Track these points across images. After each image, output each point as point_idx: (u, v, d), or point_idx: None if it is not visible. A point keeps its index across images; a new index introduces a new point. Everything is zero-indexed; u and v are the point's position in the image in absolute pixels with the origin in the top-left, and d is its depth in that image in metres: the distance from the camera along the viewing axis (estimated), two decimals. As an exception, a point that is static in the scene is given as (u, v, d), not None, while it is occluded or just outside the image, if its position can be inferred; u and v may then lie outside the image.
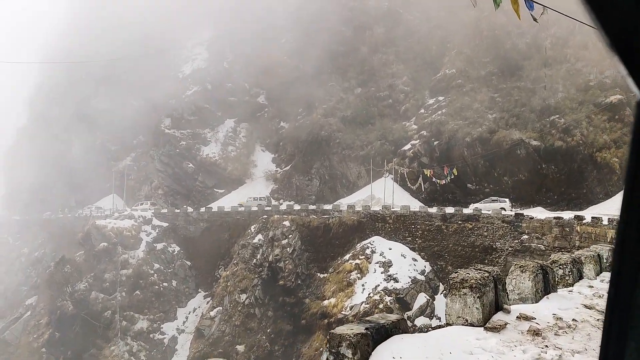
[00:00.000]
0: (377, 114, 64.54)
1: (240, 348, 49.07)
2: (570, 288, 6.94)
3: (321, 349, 42.49)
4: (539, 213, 48.46)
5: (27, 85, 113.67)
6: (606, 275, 8.00)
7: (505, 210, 47.05)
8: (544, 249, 43.71)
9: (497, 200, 50.12)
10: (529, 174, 52.63)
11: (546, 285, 6.06)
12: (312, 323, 47.61)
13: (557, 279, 7.09)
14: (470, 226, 47.67)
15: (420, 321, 43.40)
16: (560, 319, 5.08)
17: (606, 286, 7.26)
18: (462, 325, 4.61)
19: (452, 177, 51.32)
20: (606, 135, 49.61)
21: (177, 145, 70.96)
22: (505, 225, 46.20)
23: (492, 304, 4.86)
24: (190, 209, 60.32)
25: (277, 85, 73.91)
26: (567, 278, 7.08)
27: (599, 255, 9.02)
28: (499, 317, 4.88)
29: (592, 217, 40.35)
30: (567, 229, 42.46)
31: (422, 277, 47.05)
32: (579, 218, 40.55)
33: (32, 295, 63.45)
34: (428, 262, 48.69)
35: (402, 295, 44.83)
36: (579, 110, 51.47)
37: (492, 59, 59.46)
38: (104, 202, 74.55)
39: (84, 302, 50.53)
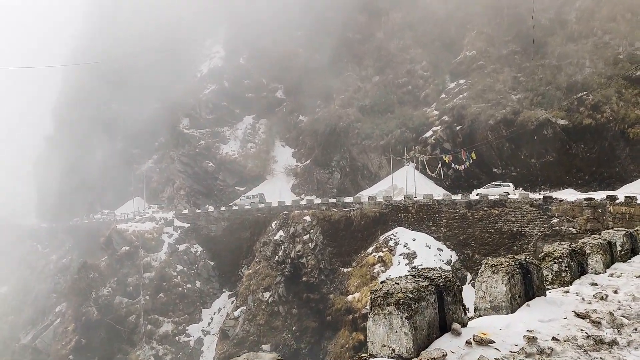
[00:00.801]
0: (396, 101, 62.69)
1: (266, 347, 48.36)
2: (566, 288, 5.58)
3: (347, 346, 41.23)
4: (569, 195, 46.18)
5: (51, 92, 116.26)
6: (619, 267, 6.64)
7: (509, 194, 45.76)
8: (575, 232, 41.61)
9: (500, 184, 48.76)
10: (557, 155, 50.16)
11: (527, 288, 4.73)
12: (338, 319, 46.53)
13: (552, 277, 5.70)
14: (497, 212, 45.72)
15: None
16: (534, 339, 3.77)
17: (616, 282, 5.92)
18: (388, 357, 3.37)
19: (471, 161, 49.34)
20: (638, 110, 46.76)
21: (197, 145, 70.71)
22: (534, 209, 44.12)
23: (434, 324, 3.61)
24: (211, 208, 59.92)
25: (295, 78, 72.85)
26: (563, 275, 5.72)
27: (609, 242, 7.57)
28: (442, 343, 3.61)
29: (626, 197, 38.14)
30: (599, 210, 40.28)
31: (448, 267, 45.29)
32: (612, 198, 38.33)
33: (61, 302, 64.25)
34: (454, 252, 47.00)
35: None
36: (608, 85, 48.65)
37: (514, 37, 56.91)
38: (128, 205, 75.07)
39: (109, 307, 50.66)
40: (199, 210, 60.07)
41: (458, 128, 55.11)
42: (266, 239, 52.93)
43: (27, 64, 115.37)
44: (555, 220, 43.04)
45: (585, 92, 49.68)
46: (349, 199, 53.32)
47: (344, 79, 66.92)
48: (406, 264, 45.37)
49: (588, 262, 6.55)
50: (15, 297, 78.24)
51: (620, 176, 48.10)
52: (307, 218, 52.42)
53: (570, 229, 42.19)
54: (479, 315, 4.87)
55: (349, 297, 45.99)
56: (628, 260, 7.63)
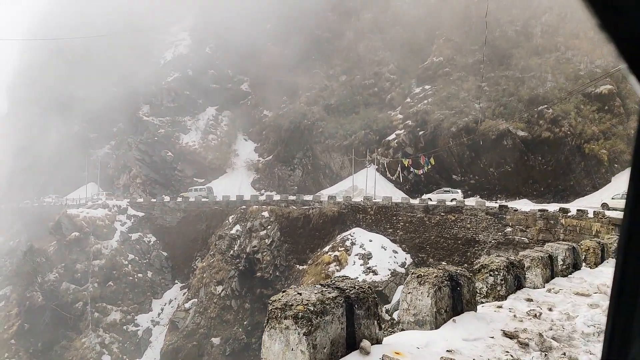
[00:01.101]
0: (362, 102, 62.69)
1: (216, 340, 47.59)
2: (500, 302, 5.28)
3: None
4: (524, 205, 47.19)
5: (6, 69, 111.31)
6: (557, 283, 6.42)
7: (456, 200, 46.74)
8: (527, 241, 42.50)
9: (449, 190, 49.57)
10: (515, 165, 51.18)
11: (456, 303, 4.38)
12: (290, 316, 46.07)
13: (486, 290, 5.39)
14: (453, 218, 46.27)
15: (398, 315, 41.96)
16: (451, 362, 3.46)
17: (552, 298, 5.71)
18: (282, 379, 2.93)
19: (429, 166, 49.84)
20: (595, 126, 48.19)
21: (156, 133, 68.82)
22: (489, 217, 44.86)
23: (340, 341, 3.19)
24: (167, 198, 58.44)
25: (261, 72, 71.84)
26: (498, 289, 5.44)
27: (550, 256, 7.29)
28: (347, 364, 3.22)
29: (578, 210, 39.18)
30: (551, 221, 41.29)
31: (402, 270, 45.57)
32: (564, 210, 39.35)
33: (6, 285, 61.58)
34: (409, 255, 47.32)
35: (380, 288, 43.37)
36: (568, 101, 49.90)
37: (481, 47, 57.56)
38: (81, 191, 72.51)
39: (54, 293, 48.75)
40: (155, 200, 58.50)
41: (421, 133, 55.49)
42: (222, 232, 51.99)
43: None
44: (509, 229, 43.89)
45: (546, 106, 50.79)
46: (308, 197, 52.96)
47: (311, 76, 66.44)
48: (361, 264, 45.43)
49: (527, 276, 6.32)
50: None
51: (574, 189, 49.49)
52: (265, 214, 51.80)
53: (523, 238, 43.07)
54: (402, 329, 4.50)
55: (303, 296, 45.61)
56: (569, 276, 7.48)
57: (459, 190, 49.38)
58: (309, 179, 62.68)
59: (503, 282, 5.38)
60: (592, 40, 52.80)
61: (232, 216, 52.87)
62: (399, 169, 52.96)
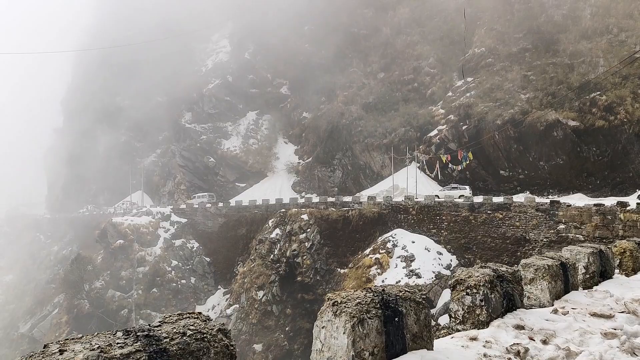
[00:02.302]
0: (401, 99, 60.76)
1: (258, 347, 47.08)
2: (477, 332, 3.84)
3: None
4: (578, 200, 44.14)
5: (60, 84, 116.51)
6: (572, 299, 4.84)
7: (463, 197, 45.78)
8: (582, 239, 39.64)
9: (457, 187, 48.51)
10: (567, 158, 48.02)
11: (393, 339, 3.05)
12: (332, 321, 44.96)
13: (463, 314, 3.96)
14: (501, 216, 43.84)
15: (444, 320, 40.09)
16: None
17: (554, 324, 4.17)
18: None
19: (467, 161, 47.46)
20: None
21: (198, 140, 69.53)
22: (540, 214, 42.20)
23: None
24: (208, 204, 58.68)
25: (300, 74, 71.30)
26: (477, 312, 4.00)
27: (563, 264, 5.56)
28: None
29: (638, 203, 36.07)
30: (609, 217, 38.32)
31: (447, 272, 43.54)
32: (623, 204, 36.40)
33: (60, 293, 63.68)
34: (454, 256, 45.16)
35: (424, 292, 41.40)
36: (623, 86, 46.35)
37: (525, 34, 54.68)
38: (132, 198, 74.22)
39: (101, 301, 49.72)
40: (197, 206, 58.87)
41: (464, 128, 53.11)
42: (262, 236, 51.53)
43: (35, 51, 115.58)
44: (562, 226, 41.13)
45: (599, 92, 47.44)
46: (347, 199, 51.69)
47: (348, 75, 65.14)
48: (403, 267, 43.77)
49: (530, 291, 4.90)
50: (18, 285, 78.10)
51: (634, 181, 45.89)
52: (305, 217, 50.92)
53: (577, 236, 40.21)
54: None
55: (344, 300, 44.43)
56: (592, 288, 5.93)
57: (467, 187, 48.55)
58: (349, 179, 61.36)
59: (483, 302, 3.99)
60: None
61: (272, 220, 52.33)
62: (437, 166, 50.82)
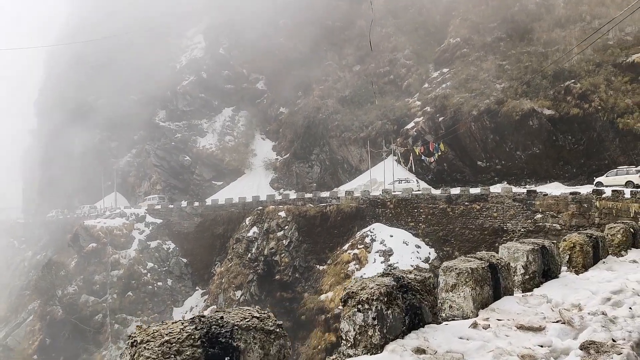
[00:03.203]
0: (378, 91, 60.09)
1: (237, 348, 46.20)
2: (366, 358, 3.10)
3: (319, 347, 38.93)
4: (554, 189, 43.98)
5: (34, 83, 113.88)
6: (500, 307, 4.00)
7: (412, 189, 46.60)
8: (559, 228, 39.55)
9: (406, 180, 49.34)
10: (543, 147, 47.85)
11: None
12: (311, 319, 44.37)
13: (354, 335, 3.16)
14: (478, 207, 43.57)
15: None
16: None
17: (467, 343, 3.43)
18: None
19: (439, 153, 47.11)
20: (628, 98, 44.31)
21: (173, 138, 68.13)
22: (517, 204, 42.01)
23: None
24: (184, 204, 57.48)
25: (276, 69, 70.24)
26: (370, 333, 3.17)
27: (493, 267, 4.67)
28: None
29: (613, 191, 36.00)
30: (585, 205, 38.23)
31: (426, 265, 43.10)
32: (598, 192, 36.34)
33: (35, 299, 62.02)
34: (433, 249, 44.82)
35: (402, 287, 40.95)
36: (597, 73, 46.22)
37: (499, 24, 54.34)
38: (106, 200, 72.59)
39: (74, 306, 48.39)
40: (172, 206, 57.63)
41: (440, 119, 52.65)
42: (239, 235, 50.62)
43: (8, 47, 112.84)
44: (539, 215, 41.02)
45: (573, 80, 47.29)
46: (325, 194, 50.97)
47: (323, 68, 64.30)
48: (382, 262, 43.26)
49: (453, 300, 4.11)
50: (-7, 293, 76.06)
51: (609, 168, 45.73)
52: (282, 214, 50.14)
53: (554, 225, 40.10)
54: None
55: (322, 297, 43.90)
56: (532, 291, 5.19)
57: (413, 179, 49.32)
58: (327, 175, 60.63)
59: (377, 321, 3.20)
60: (621, 5, 48.79)
61: (249, 218, 51.44)
62: (411, 158, 50.39)
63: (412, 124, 54.74)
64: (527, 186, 46.58)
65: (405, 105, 56.70)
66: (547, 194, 40.17)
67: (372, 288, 3.39)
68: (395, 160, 54.48)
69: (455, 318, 4.27)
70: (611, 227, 8.97)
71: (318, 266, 48.35)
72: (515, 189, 43.77)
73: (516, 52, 51.63)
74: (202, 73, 74.61)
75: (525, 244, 5.86)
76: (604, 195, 35.91)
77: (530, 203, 40.89)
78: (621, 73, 45.24)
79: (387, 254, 43.76)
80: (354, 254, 44.84)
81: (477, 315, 4.22)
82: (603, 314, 4.19)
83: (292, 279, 47.74)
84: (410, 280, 3.69)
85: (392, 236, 45.17)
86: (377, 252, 44.23)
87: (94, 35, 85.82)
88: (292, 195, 52.90)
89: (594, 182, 40.69)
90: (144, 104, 73.94)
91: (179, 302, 52.60)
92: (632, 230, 9.06)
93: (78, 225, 53.55)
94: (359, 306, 3.36)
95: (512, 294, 4.86)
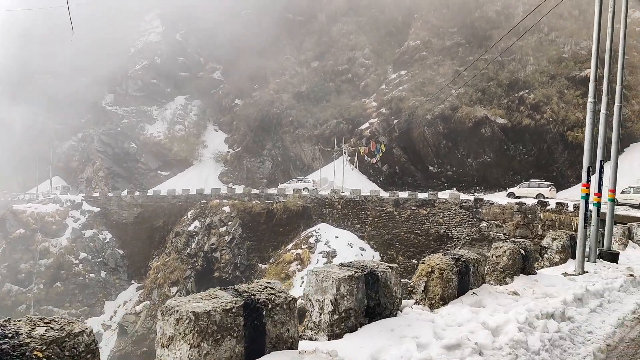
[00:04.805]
0: (335, 89, 58.79)
1: (169, 347, 43.94)
2: None
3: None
4: (502, 198, 43.69)
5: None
6: None
7: (307, 189, 47.32)
8: (503, 237, 39.01)
9: (302, 180, 49.86)
10: (494, 155, 47.59)
11: None
12: (248, 320, 42.57)
13: None
14: (425, 212, 42.81)
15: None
16: None
17: None
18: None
19: (380, 154, 46.33)
20: (579, 112, 44.36)
21: (119, 124, 64.87)
22: (464, 211, 41.47)
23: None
24: (124, 193, 54.58)
25: (234, 59, 67.88)
26: None
27: (248, 306, 3.08)
28: None
29: (557, 203, 35.89)
30: (530, 215, 38.06)
31: (368, 269, 41.81)
32: (543, 204, 36.28)
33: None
34: (377, 252, 43.87)
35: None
36: (550, 85, 46.23)
37: (459, 29, 53.94)
38: (46, 184, 68.64)
39: (-6, 296, 45.10)
40: (111, 194, 54.64)
41: (395, 121, 51.77)
42: (179, 229, 48.37)
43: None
44: (484, 224, 40.59)
45: (527, 91, 47.19)
46: (272, 191, 49.31)
47: (281, 62, 62.48)
48: (324, 263, 41.75)
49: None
50: None
51: (557, 181, 45.84)
52: (227, 209, 48.19)
53: (498, 234, 39.68)
54: None
55: (260, 297, 42.17)
56: (341, 338, 3.90)
57: (311, 179, 49.30)
58: (278, 171, 58.92)
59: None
60: (578, 20, 49.11)
61: (191, 211, 49.28)
62: (356, 158, 49.41)
63: (367, 125, 53.70)
64: (477, 194, 46.20)
65: (362, 106, 55.60)
66: (493, 203, 39.78)
67: None
68: (349, 160, 53.35)
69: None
70: (497, 247, 7.37)
71: (260, 265, 46.72)
72: (463, 196, 43.29)
73: (474, 58, 51.18)
74: (156, 58, 71.51)
75: (345, 268, 4.18)
76: (548, 207, 35.74)
77: (476, 211, 40.45)
78: (574, 86, 45.34)
79: (330, 255, 42.55)
80: (296, 253, 43.42)
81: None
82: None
83: (232, 277, 45.95)
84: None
85: (337, 237, 44.02)
86: (320, 252, 42.96)
87: (48, 14, 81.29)
88: (238, 190, 50.93)
89: (507, 193, 41.95)
90: (92, 87, 70.25)
91: (111, 296, 49.90)
92: (522, 251, 7.44)
93: (6, 210, 50.06)
94: None
95: (293, 347, 3.22)
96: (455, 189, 48.85)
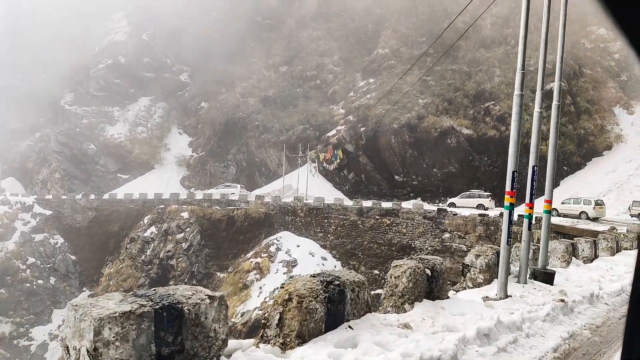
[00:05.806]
0: (302, 95, 57.81)
1: (119, 358, 41.86)
2: None
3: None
4: (466, 209, 43.28)
5: None
6: None
7: (235, 194, 47.48)
8: (466, 249, 38.40)
9: (230, 185, 50.39)
10: (459, 166, 47.23)
11: None
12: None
13: None
14: (389, 222, 42.07)
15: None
16: None
17: None
18: None
19: (338, 160, 45.62)
20: (543, 125, 44.23)
21: (78, 124, 62.43)
22: (427, 221, 40.91)
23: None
24: (78, 196, 52.28)
25: (202, 61, 66.34)
26: None
27: None
28: None
29: (519, 215, 35.19)
30: (492, 227, 37.69)
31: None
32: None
33: None
34: (339, 262, 42.88)
35: (302, 301, 38.43)
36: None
37: (428, 38, 53.61)
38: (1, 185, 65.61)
39: None
40: (65, 197, 52.23)
41: (362, 129, 51.05)
42: (135, 234, 46.46)
43: None
44: (447, 235, 40.09)
45: (493, 102, 47.06)
46: (234, 197, 47.84)
47: (248, 65, 61.25)
48: (284, 273, 40.67)
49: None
50: None
51: (521, 193, 45.59)
52: (185, 214, 46.52)
53: (461, 245, 39.21)
54: None
55: (216, 307, 40.56)
56: None
57: (238, 185, 49.42)
58: (243, 176, 57.45)
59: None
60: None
61: (148, 217, 47.41)
62: (316, 164, 48.50)
63: (334, 132, 52.84)
64: (441, 204, 45.70)
65: (329, 112, 54.76)
66: (456, 214, 39.34)
67: None
68: (315, 167, 52.30)
69: None
70: (397, 266, 6.05)
71: (219, 273, 45.13)
72: (427, 206, 42.74)
73: (441, 68, 51.02)
74: (121, 58, 69.34)
75: (128, 300, 2.76)
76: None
77: (439, 221, 40.00)
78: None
79: (291, 264, 41.32)
80: (255, 262, 42.04)
81: None
82: None
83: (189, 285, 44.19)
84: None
85: (299, 246, 42.85)
86: (280, 262, 41.68)
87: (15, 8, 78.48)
88: (199, 195, 49.32)
89: (447, 203, 42.19)
90: (53, 84, 67.67)
91: (61, 304, 47.40)
92: (428, 271, 6.11)
93: (-52, 211, 47.33)
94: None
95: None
96: (420, 198, 48.30)
